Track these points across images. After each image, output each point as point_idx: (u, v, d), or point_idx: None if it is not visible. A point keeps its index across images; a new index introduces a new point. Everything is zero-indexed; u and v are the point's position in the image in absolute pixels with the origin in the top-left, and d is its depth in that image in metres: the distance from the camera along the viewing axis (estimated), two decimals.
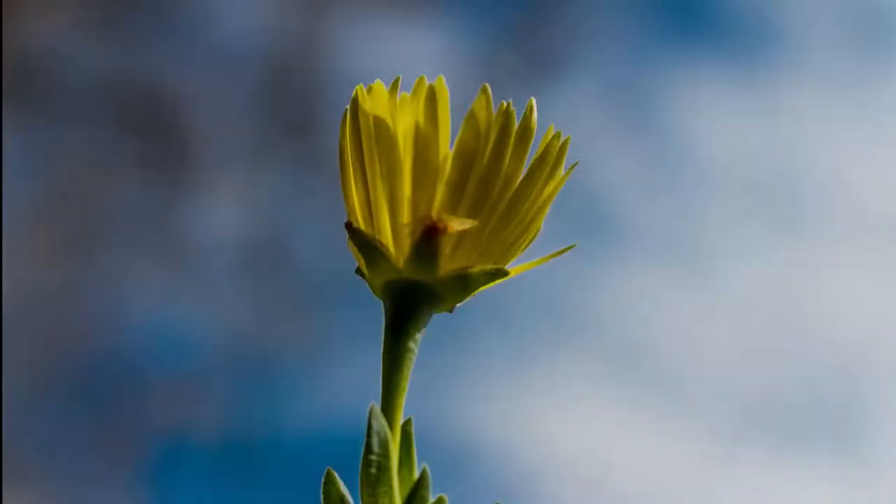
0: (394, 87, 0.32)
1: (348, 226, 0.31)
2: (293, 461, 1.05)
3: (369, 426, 0.29)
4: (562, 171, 0.32)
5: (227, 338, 1.13)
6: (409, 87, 0.32)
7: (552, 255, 0.33)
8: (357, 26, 1.14)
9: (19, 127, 1.13)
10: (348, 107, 0.32)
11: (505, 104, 0.31)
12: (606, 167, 1.04)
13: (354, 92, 0.32)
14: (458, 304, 0.32)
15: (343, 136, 0.32)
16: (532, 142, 0.32)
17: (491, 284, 0.32)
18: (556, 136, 0.32)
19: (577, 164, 0.32)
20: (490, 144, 0.31)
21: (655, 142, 1.11)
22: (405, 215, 0.30)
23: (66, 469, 1.10)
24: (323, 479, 0.29)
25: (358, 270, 0.32)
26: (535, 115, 0.32)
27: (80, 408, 1.12)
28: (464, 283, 0.31)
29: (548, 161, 0.32)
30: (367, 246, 0.31)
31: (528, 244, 0.33)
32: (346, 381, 1.06)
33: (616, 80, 1.13)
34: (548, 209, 0.32)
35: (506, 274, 0.31)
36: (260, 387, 1.12)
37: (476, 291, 0.32)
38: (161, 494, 1.09)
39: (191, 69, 1.16)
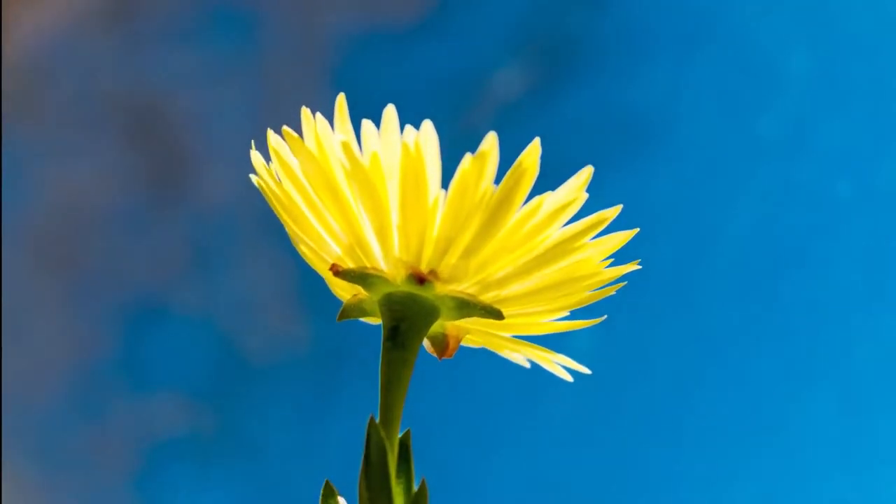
0: (341, 112, 0.30)
1: (335, 271, 0.30)
2: (291, 470, 1.05)
3: (367, 438, 0.29)
4: (607, 249, 0.30)
5: (226, 345, 1.13)
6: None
7: (552, 357, 0.32)
8: (361, 37, 1.14)
9: (18, 134, 1.13)
10: (285, 150, 0.30)
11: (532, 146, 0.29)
12: None
13: (278, 138, 0.30)
14: (451, 343, 0.32)
15: (282, 180, 0.30)
16: (571, 208, 0.29)
17: (487, 329, 0.32)
18: (610, 212, 0.30)
19: (639, 265, 0.30)
20: (504, 187, 0.28)
21: None
22: (395, 247, 0.30)
23: (64, 473, 1.10)
24: (321, 492, 0.29)
25: (342, 316, 0.31)
26: (585, 182, 0.29)
27: (79, 411, 1.12)
28: (459, 304, 0.30)
29: (585, 234, 0.29)
30: (361, 277, 0.30)
31: (556, 313, 0.31)
32: (345, 393, 1.06)
33: None
34: (588, 291, 0.30)
35: (500, 317, 0.30)
36: (257, 395, 1.12)
37: (471, 325, 0.31)
38: (155, 497, 1.09)
39: (191, 78, 1.16)
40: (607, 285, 0.31)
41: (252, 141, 0.31)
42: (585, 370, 0.32)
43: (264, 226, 1.11)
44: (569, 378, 0.33)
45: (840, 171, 1.07)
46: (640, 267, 0.30)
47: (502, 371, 0.99)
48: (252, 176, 0.32)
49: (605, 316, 0.32)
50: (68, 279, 1.16)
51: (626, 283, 0.31)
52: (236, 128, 1.14)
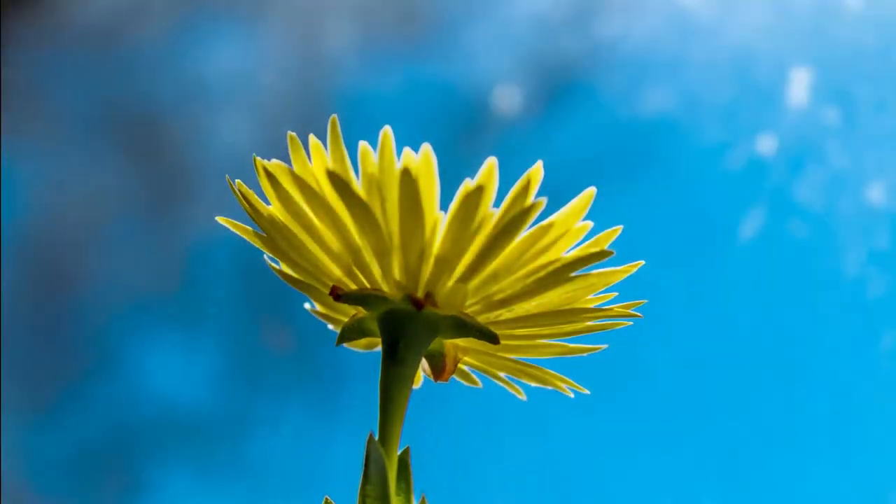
0: (335, 133, 0.29)
1: (336, 295, 0.30)
2: (291, 488, 1.05)
3: (367, 455, 0.29)
4: (609, 280, 0.30)
5: (224, 361, 1.13)
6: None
7: (552, 377, 0.32)
8: (358, 56, 1.15)
9: (15, 152, 1.13)
10: (276, 175, 0.29)
11: (531, 177, 0.28)
12: None
13: (263, 164, 0.29)
14: (448, 364, 0.32)
15: (273, 206, 0.30)
16: (572, 234, 0.29)
17: (486, 350, 0.31)
18: (610, 237, 0.29)
19: (642, 302, 0.30)
20: (497, 225, 0.28)
21: None
22: (395, 268, 0.30)
23: (62, 486, 1.10)
24: None
25: (341, 339, 0.31)
26: (587, 204, 0.29)
27: (76, 429, 1.12)
28: (457, 323, 0.30)
29: (584, 263, 0.29)
30: (361, 298, 0.30)
31: (557, 339, 0.31)
32: (345, 410, 1.06)
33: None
34: (591, 322, 0.30)
35: (496, 341, 0.30)
36: (256, 412, 1.12)
37: (470, 345, 0.31)
38: None
39: (189, 96, 1.16)
40: (612, 320, 0.31)
41: (226, 175, 0.30)
42: (585, 391, 0.32)
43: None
44: (570, 394, 0.32)
45: (842, 190, 1.07)
46: (641, 316, 0.30)
47: (502, 388, 0.98)
48: (219, 218, 0.31)
49: (607, 345, 0.31)
50: (67, 294, 1.16)
51: (631, 323, 0.30)
52: (237, 143, 1.14)
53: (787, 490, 1.00)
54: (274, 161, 0.29)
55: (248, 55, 1.18)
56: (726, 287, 1.06)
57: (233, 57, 1.17)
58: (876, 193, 1.05)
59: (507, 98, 1.10)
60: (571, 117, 1.11)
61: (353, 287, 0.30)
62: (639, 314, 0.30)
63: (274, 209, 0.30)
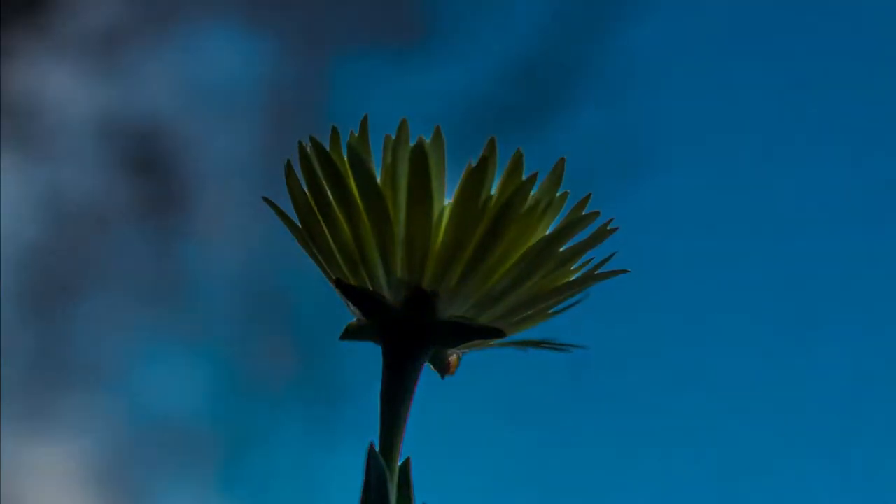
0: (363, 129, 0.30)
1: (339, 284, 0.30)
2: (291, 499, 1.05)
3: (367, 466, 0.29)
4: (588, 247, 0.30)
5: (226, 373, 1.13)
6: (381, 129, 0.31)
7: (549, 344, 0.32)
8: (358, 64, 1.15)
9: (15, 168, 1.13)
10: (309, 157, 0.30)
11: (516, 157, 0.29)
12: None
13: (304, 143, 0.30)
14: (452, 361, 0.32)
15: (303, 189, 0.30)
16: (554, 207, 0.30)
17: (491, 343, 0.32)
18: (582, 202, 0.30)
19: (614, 254, 0.30)
20: (497, 203, 0.29)
21: None
22: (399, 264, 0.30)
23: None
24: None
25: (345, 335, 0.31)
26: (560, 175, 0.30)
27: (76, 440, 1.12)
28: (460, 329, 0.30)
29: (569, 233, 0.30)
30: (362, 298, 0.30)
31: (547, 316, 0.31)
32: (345, 420, 1.06)
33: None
34: (574, 287, 0.30)
35: (501, 335, 0.30)
36: (256, 424, 1.12)
37: (474, 344, 0.31)
38: None
39: (188, 109, 1.16)
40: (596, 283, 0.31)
41: (287, 160, 0.31)
42: (581, 346, 0.32)
43: (262, 251, 1.11)
44: (567, 351, 0.33)
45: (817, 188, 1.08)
46: (628, 270, 0.31)
47: (503, 397, 0.99)
48: (264, 197, 0.32)
49: (588, 295, 0.32)
50: (66, 305, 1.16)
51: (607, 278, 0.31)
52: (237, 152, 1.14)
53: None
54: (313, 137, 0.30)
55: (246, 63, 1.18)
56: (718, 280, 1.06)
57: (231, 65, 1.18)
58: (846, 194, 1.06)
59: (504, 102, 1.10)
60: (566, 120, 1.11)
61: (355, 283, 0.30)
62: (625, 269, 0.31)
63: (308, 191, 0.30)
